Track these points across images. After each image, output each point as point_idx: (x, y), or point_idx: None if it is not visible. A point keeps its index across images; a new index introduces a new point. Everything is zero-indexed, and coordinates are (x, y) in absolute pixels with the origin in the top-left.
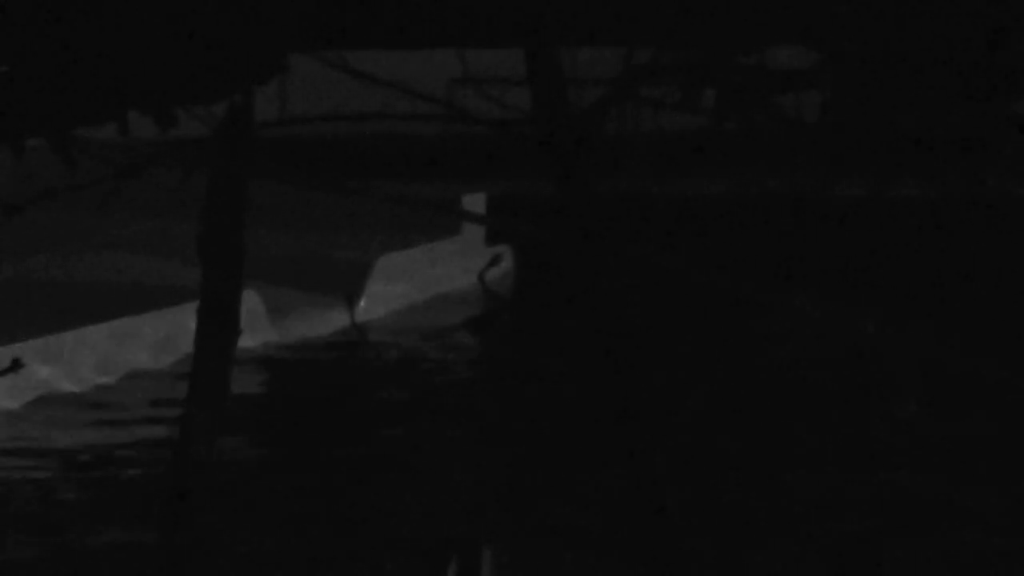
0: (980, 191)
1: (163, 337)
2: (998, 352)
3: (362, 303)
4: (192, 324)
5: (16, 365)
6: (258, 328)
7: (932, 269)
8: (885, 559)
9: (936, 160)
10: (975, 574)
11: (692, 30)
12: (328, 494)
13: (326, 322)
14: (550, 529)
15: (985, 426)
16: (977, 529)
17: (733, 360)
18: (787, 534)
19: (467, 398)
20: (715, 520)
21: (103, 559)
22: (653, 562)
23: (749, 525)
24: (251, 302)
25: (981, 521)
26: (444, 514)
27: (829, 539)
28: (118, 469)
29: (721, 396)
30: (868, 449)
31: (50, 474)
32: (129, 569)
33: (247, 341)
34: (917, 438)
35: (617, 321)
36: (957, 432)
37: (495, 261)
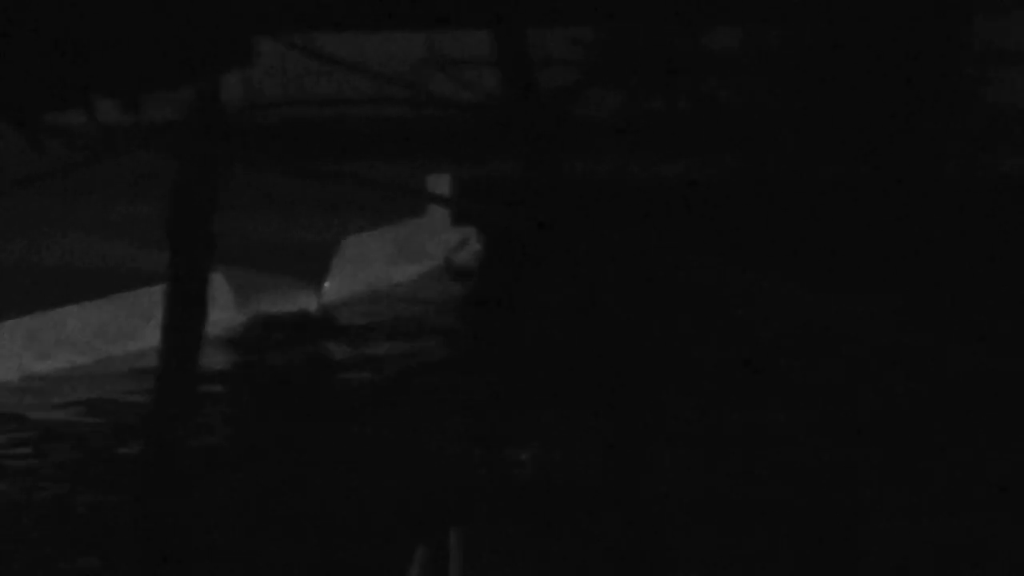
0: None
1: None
2: (971, 332)
3: (327, 284)
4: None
5: None
6: (223, 310)
7: (904, 250)
8: (863, 540)
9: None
10: (957, 555)
11: (652, 10)
12: (294, 478)
13: (291, 304)
14: (521, 514)
15: (962, 406)
16: (959, 510)
17: (710, 342)
18: (765, 514)
19: (432, 380)
20: (691, 500)
21: None
22: (630, 547)
23: (725, 506)
24: (216, 284)
25: (963, 502)
26: (411, 498)
27: (807, 519)
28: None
29: (700, 377)
30: (847, 429)
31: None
32: None
33: (212, 323)
34: (894, 417)
35: (592, 305)
36: (934, 412)
37: (462, 243)
